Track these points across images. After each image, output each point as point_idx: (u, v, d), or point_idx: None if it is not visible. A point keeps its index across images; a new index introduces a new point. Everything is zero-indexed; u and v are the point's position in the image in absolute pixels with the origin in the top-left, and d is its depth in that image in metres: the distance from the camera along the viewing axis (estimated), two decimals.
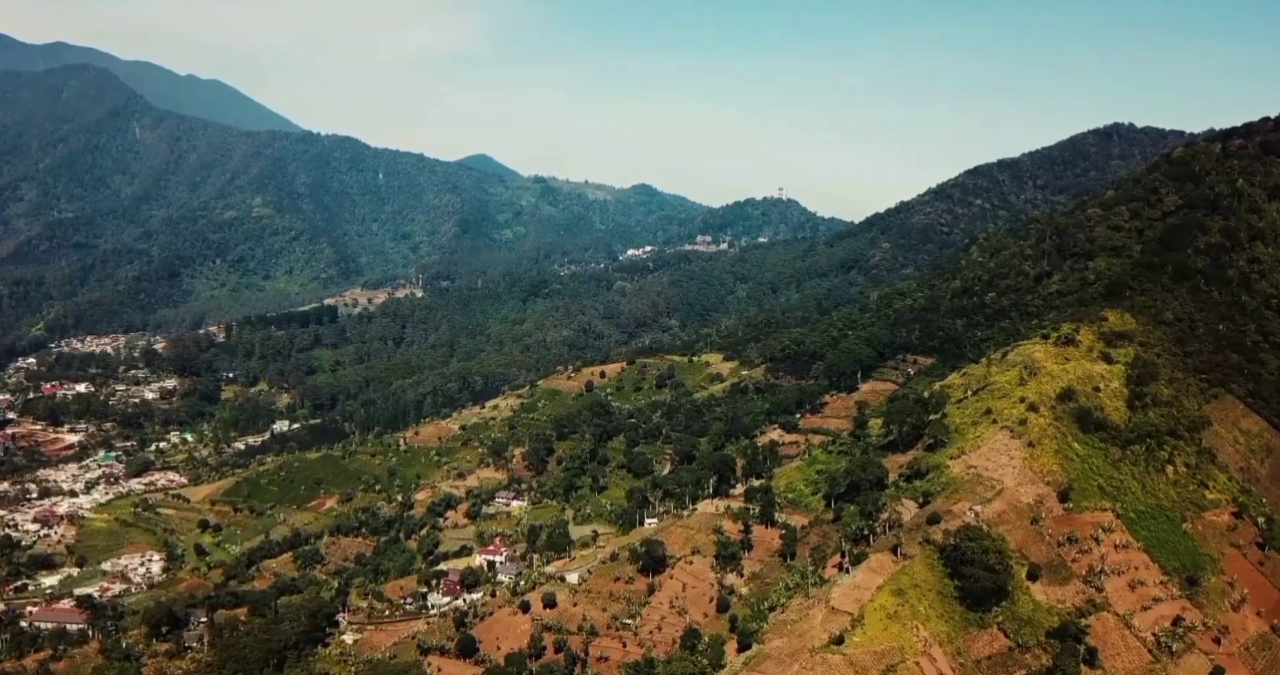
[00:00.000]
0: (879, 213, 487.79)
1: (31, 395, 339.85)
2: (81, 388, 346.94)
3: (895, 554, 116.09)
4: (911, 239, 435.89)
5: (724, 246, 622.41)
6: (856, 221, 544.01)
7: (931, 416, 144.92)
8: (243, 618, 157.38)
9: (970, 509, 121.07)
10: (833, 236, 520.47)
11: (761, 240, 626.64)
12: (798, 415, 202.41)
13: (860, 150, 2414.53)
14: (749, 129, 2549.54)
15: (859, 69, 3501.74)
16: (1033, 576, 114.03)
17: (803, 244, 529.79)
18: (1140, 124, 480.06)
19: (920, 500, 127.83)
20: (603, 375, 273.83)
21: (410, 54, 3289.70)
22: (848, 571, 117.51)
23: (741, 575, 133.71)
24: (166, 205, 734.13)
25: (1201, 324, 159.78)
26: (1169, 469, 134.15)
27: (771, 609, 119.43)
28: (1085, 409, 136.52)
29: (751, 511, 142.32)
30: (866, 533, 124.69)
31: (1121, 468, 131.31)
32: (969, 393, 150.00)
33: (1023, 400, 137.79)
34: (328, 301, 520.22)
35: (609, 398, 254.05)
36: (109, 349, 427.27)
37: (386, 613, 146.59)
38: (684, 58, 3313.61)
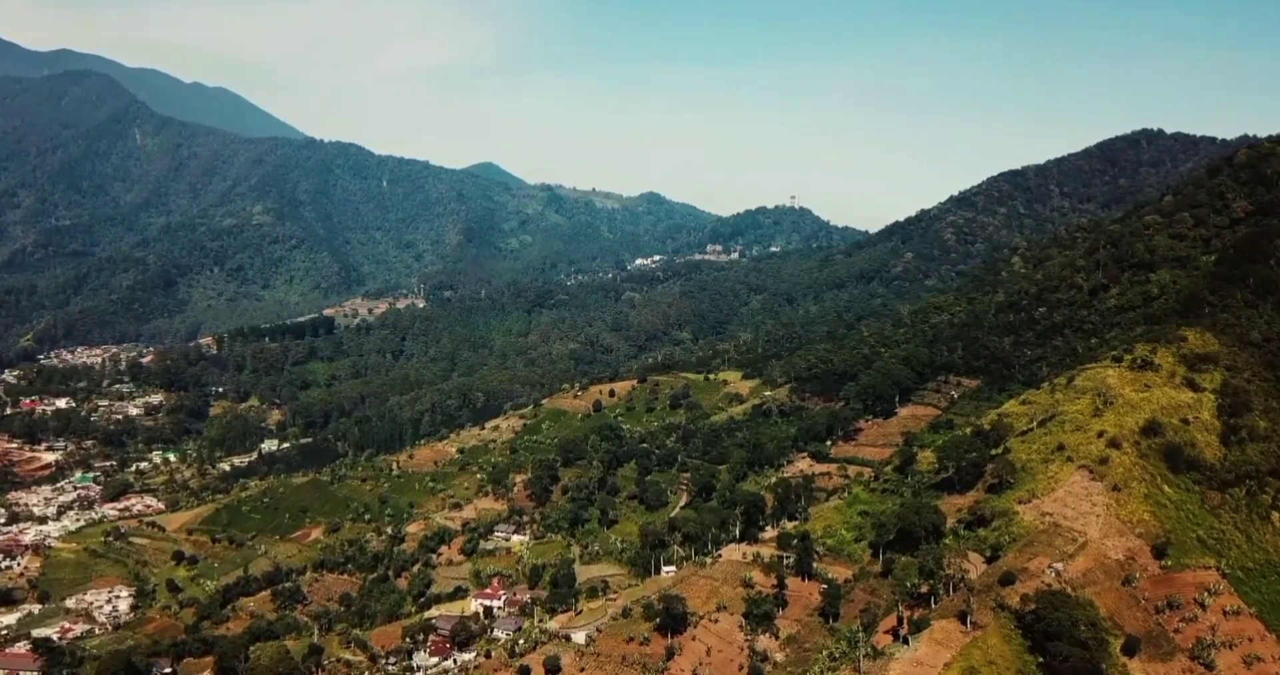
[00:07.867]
0: (899, 221, 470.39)
1: (9, 411, 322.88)
2: (62, 403, 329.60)
3: (963, 622, 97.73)
4: (934, 248, 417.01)
5: (735, 256, 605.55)
6: (872, 231, 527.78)
7: (993, 451, 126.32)
8: (210, 671, 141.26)
9: (1050, 567, 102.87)
10: (851, 246, 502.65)
11: (774, 250, 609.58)
12: (829, 442, 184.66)
13: (874, 158, 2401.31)
14: (758, 137, 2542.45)
15: (871, 77, 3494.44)
16: (1129, 651, 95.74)
17: (819, 253, 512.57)
18: (1169, 130, 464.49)
19: (988, 554, 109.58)
20: (612, 394, 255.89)
21: (417, 63, 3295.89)
22: (906, 642, 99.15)
23: (776, 637, 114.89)
24: (166, 212, 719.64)
25: None
26: (1274, 516, 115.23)
27: None
28: (1174, 445, 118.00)
29: (786, 561, 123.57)
30: (926, 592, 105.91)
31: (1222, 515, 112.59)
32: (1034, 424, 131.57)
33: (1101, 434, 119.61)
34: (325, 312, 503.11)
35: (618, 419, 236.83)
36: (95, 361, 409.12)
37: None
38: (692, 66, 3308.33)
